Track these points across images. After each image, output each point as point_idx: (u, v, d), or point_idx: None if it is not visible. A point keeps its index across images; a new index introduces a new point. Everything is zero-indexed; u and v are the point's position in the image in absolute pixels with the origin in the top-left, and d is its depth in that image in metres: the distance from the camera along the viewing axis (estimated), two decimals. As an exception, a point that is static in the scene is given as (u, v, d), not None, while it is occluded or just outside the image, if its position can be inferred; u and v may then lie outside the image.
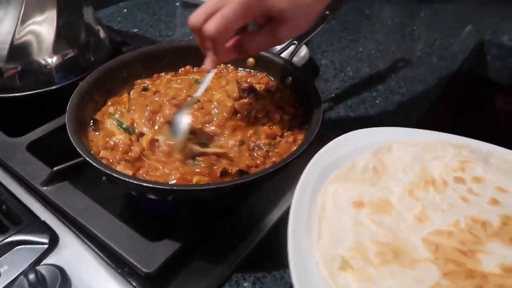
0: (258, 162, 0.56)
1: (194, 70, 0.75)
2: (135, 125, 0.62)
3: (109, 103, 0.67)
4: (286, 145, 0.59)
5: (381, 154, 0.48)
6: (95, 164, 0.50)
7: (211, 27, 0.50)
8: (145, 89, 0.70)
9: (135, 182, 0.48)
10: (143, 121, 0.62)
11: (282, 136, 0.61)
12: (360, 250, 0.38)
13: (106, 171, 0.49)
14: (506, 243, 0.39)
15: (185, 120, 0.58)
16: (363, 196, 0.44)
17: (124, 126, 0.62)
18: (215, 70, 0.62)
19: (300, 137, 0.60)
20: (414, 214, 0.43)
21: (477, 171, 0.47)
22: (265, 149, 0.58)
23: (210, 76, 0.61)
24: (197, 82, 0.71)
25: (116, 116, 0.64)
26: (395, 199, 0.44)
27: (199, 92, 0.61)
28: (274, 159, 0.57)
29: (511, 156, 0.50)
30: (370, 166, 0.47)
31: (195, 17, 0.53)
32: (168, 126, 0.60)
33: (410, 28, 1.16)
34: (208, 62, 0.57)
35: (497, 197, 0.44)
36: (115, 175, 0.48)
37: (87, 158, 0.50)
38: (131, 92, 0.69)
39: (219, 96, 0.65)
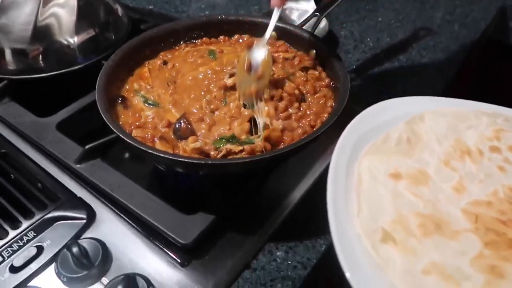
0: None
1: (211, 41, 0.76)
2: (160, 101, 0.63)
3: (132, 78, 0.68)
4: (319, 105, 0.60)
5: (414, 124, 0.48)
6: (131, 142, 0.51)
7: None
8: (165, 62, 0.70)
9: (171, 157, 0.49)
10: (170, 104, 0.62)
11: (313, 94, 0.61)
12: (402, 222, 0.39)
13: (142, 148, 0.50)
14: None
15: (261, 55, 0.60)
16: (400, 167, 0.44)
17: (150, 101, 0.62)
18: (281, 9, 0.63)
19: (330, 102, 0.60)
20: (452, 185, 0.43)
21: None
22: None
23: (276, 15, 0.63)
24: (211, 54, 0.71)
25: (142, 92, 0.64)
26: (432, 170, 0.44)
27: (267, 34, 0.63)
28: (312, 117, 0.58)
29: None
30: (404, 137, 0.47)
31: None
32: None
33: (430, -5, 1.13)
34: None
35: None
36: (151, 152, 0.49)
37: (123, 137, 0.51)
38: (150, 66, 0.69)
39: (229, 56, 0.66)
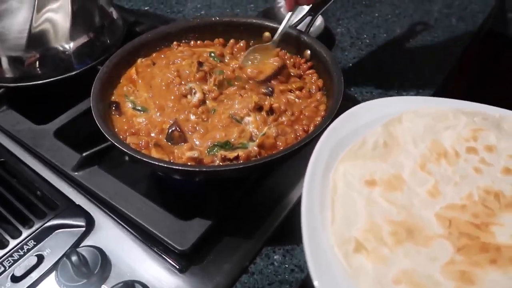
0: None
1: (205, 43, 0.75)
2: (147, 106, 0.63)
3: (123, 81, 0.68)
4: (312, 110, 0.60)
5: (391, 126, 0.47)
6: (126, 150, 0.51)
7: None
8: (154, 63, 0.70)
9: (166, 165, 0.50)
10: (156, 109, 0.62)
11: (307, 98, 0.62)
12: (374, 231, 0.38)
13: (138, 156, 0.50)
14: None
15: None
16: (375, 173, 0.43)
17: (139, 107, 0.63)
18: (290, 12, 0.68)
19: (323, 107, 0.60)
20: (427, 189, 0.42)
21: (490, 139, 0.46)
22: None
23: (286, 17, 0.69)
24: (212, 55, 0.71)
25: (131, 97, 0.65)
26: (407, 174, 0.43)
27: (277, 35, 0.70)
28: (304, 121, 0.58)
29: None
30: (380, 141, 0.46)
31: None
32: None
33: (427, -12, 1.12)
34: (286, 3, 0.67)
35: (510, 166, 0.43)
36: (147, 160, 0.50)
37: (118, 145, 0.52)
38: (140, 69, 0.69)
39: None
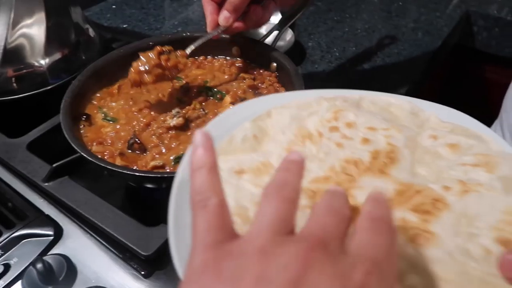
0: None
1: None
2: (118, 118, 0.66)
3: (101, 95, 0.70)
4: None
5: (260, 121, 0.47)
6: (91, 159, 0.53)
7: None
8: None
9: (129, 172, 0.52)
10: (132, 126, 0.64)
11: None
12: (241, 214, 0.38)
13: (100, 164, 0.52)
14: (376, 174, 0.41)
15: None
16: (243, 163, 0.42)
17: (109, 118, 0.65)
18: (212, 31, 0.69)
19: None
20: None
21: (349, 117, 0.47)
22: None
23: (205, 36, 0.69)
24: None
25: (104, 109, 0.67)
26: (275, 159, 0.43)
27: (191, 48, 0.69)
28: None
29: (380, 97, 0.51)
30: (249, 135, 0.46)
31: None
32: None
33: (397, 4, 1.17)
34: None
35: (368, 136, 0.45)
36: (109, 167, 0.52)
37: (82, 153, 0.54)
38: (124, 86, 0.72)
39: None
